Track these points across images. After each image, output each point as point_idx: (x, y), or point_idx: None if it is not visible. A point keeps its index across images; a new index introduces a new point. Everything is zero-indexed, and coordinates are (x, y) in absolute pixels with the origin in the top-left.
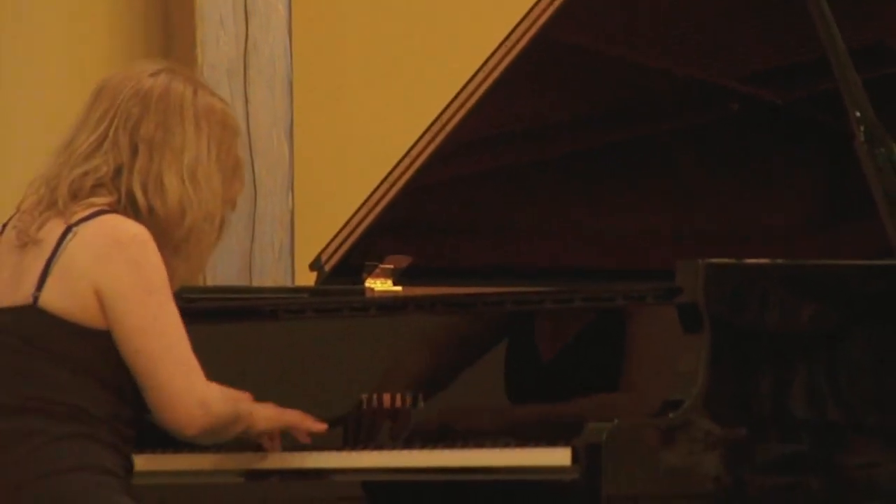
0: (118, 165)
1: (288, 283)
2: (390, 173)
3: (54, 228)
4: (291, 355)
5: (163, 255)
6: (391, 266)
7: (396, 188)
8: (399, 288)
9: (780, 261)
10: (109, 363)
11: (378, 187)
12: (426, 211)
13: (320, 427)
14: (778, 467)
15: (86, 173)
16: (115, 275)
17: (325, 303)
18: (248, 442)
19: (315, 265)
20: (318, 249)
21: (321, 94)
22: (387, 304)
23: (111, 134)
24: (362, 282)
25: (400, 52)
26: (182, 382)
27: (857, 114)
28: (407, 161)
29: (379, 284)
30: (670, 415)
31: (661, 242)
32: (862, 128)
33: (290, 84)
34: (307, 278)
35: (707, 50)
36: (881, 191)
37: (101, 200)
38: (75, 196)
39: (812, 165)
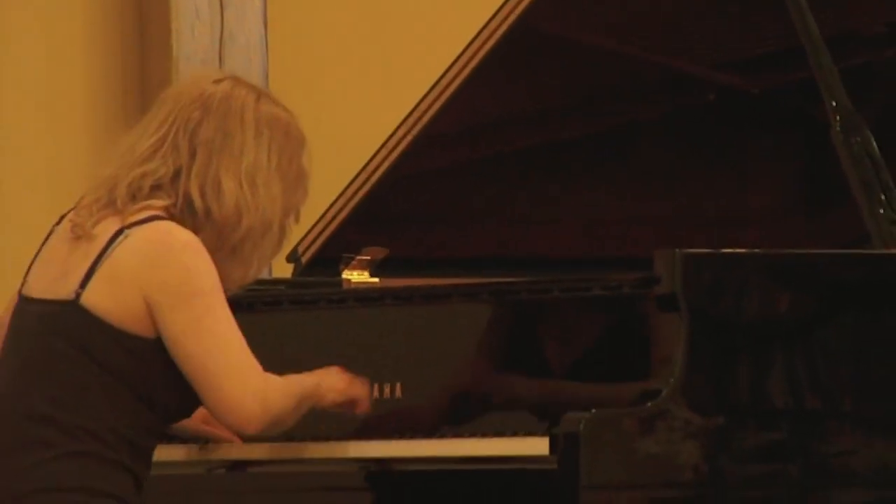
0: (177, 168)
1: (265, 275)
2: (367, 164)
3: (109, 227)
4: (268, 347)
5: (218, 257)
6: (368, 258)
7: (373, 179)
8: (376, 279)
9: (757, 250)
10: (141, 370)
11: (355, 179)
12: (403, 202)
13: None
14: (756, 455)
15: (144, 174)
16: (163, 279)
17: (302, 295)
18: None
19: (292, 257)
20: (295, 241)
21: (296, 86)
22: (364, 296)
23: (171, 137)
24: (339, 273)
25: (376, 43)
26: (236, 383)
27: (833, 103)
28: (384, 152)
29: (356, 276)
30: (648, 404)
31: (640, 229)
32: (838, 117)
33: (266, 75)
34: (284, 270)
35: (684, 38)
36: (857, 179)
37: (160, 203)
38: (134, 197)
39: (789, 153)
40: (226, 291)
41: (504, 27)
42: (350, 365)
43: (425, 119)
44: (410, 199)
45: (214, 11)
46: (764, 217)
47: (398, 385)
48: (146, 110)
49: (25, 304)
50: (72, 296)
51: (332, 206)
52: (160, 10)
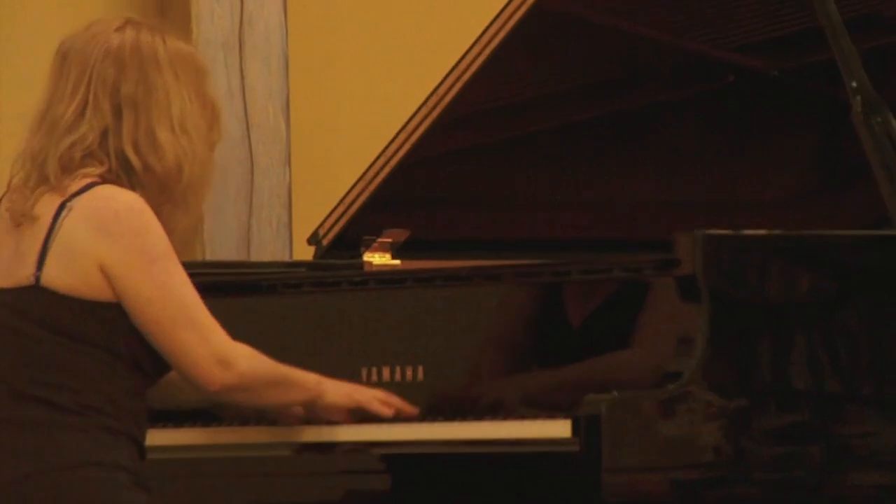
0: (104, 130)
1: (286, 258)
2: (388, 147)
3: (49, 204)
4: (290, 330)
5: (163, 211)
6: (389, 240)
7: (394, 161)
8: (398, 262)
9: (777, 231)
10: (121, 335)
11: (375, 161)
12: (424, 184)
13: (403, 405)
14: (777, 437)
15: (73, 144)
16: (116, 248)
17: (324, 277)
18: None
19: (313, 239)
20: (316, 224)
21: (317, 69)
22: (385, 278)
23: (91, 99)
24: (360, 256)
25: (396, 26)
26: (199, 343)
27: (854, 84)
28: (404, 134)
29: (377, 258)
30: (669, 386)
31: (659, 212)
32: (858, 97)
33: (286, 58)
34: (305, 253)
35: (703, 20)
36: (878, 160)
37: (94, 171)
38: (66, 168)
39: (809, 135)
40: (175, 243)
41: (523, 9)
42: (371, 347)
43: (445, 101)
44: (431, 181)
45: None
46: (784, 198)
47: (419, 367)
48: None
49: None
50: (31, 280)
51: (352, 188)
52: None
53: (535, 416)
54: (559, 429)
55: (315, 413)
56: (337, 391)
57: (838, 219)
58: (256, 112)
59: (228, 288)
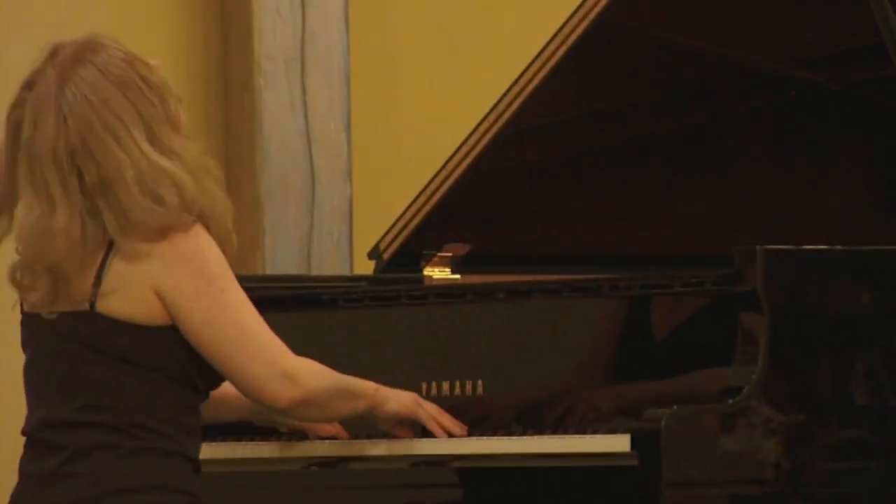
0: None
1: (346, 272)
2: (448, 161)
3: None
4: (350, 344)
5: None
6: (449, 254)
7: (454, 176)
8: (457, 276)
9: (838, 247)
10: (176, 356)
11: (436, 176)
12: (484, 199)
13: (455, 426)
14: (836, 453)
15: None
16: (171, 273)
17: (384, 291)
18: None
19: (373, 254)
20: (376, 238)
21: (378, 83)
22: (445, 293)
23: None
24: (421, 270)
25: (455, 42)
26: (261, 361)
27: None
28: (465, 149)
29: (437, 273)
30: (730, 401)
31: (720, 227)
32: None
33: (347, 74)
34: (365, 267)
35: (765, 35)
36: None
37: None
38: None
39: (869, 149)
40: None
41: (585, 23)
42: (431, 362)
43: (506, 116)
44: (492, 195)
45: (296, 10)
46: (844, 214)
47: (479, 382)
48: (228, 110)
49: (35, 320)
50: (85, 305)
51: (413, 202)
52: (242, 9)
53: (594, 431)
54: (618, 443)
55: (371, 421)
56: (398, 400)
57: None
58: (318, 127)
59: (288, 302)
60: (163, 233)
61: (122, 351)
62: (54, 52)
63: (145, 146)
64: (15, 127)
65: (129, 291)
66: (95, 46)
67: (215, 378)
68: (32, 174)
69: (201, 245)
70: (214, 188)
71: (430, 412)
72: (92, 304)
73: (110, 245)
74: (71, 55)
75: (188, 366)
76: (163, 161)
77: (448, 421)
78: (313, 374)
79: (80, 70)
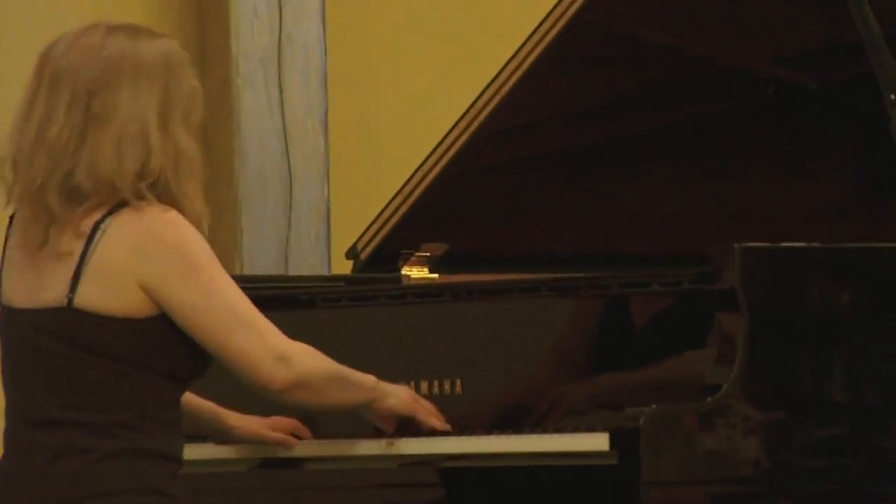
0: (92, 157)
1: (324, 272)
2: (425, 161)
3: (73, 238)
4: (328, 344)
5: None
6: (427, 254)
7: (432, 176)
8: (435, 275)
9: (816, 244)
10: (157, 348)
11: (413, 175)
12: (462, 198)
13: (443, 426)
14: (816, 450)
15: (68, 173)
16: (155, 264)
17: (362, 291)
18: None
19: (351, 254)
20: (354, 238)
21: (355, 83)
22: (423, 292)
23: (79, 128)
24: (398, 270)
25: (433, 41)
26: (256, 343)
27: (893, 96)
28: (442, 149)
29: (415, 272)
30: (708, 399)
31: (698, 225)
32: None
33: (325, 74)
34: (343, 267)
35: (742, 33)
36: None
37: (96, 200)
38: (70, 199)
39: (848, 147)
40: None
41: (562, 23)
42: (409, 361)
43: (483, 115)
44: (469, 195)
45: (273, 11)
46: (823, 211)
47: (457, 381)
48: (206, 111)
49: (13, 315)
50: (63, 301)
51: (390, 202)
52: (219, 10)
53: (573, 430)
54: (597, 442)
55: (367, 416)
56: (398, 395)
57: (877, 231)
58: (295, 126)
59: (266, 302)
60: (112, 197)
61: (102, 346)
62: (109, 30)
63: (153, 117)
64: (47, 50)
65: (110, 285)
66: (155, 31)
67: (197, 366)
68: (52, 85)
69: (184, 234)
70: (193, 190)
71: (429, 409)
72: (70, 300)
73: (90, 238)
74: (131, 24)
75: (169, 356)
76: (154, 133)
77: (440, 421)
78: (308, 357)
79: (140, 34)
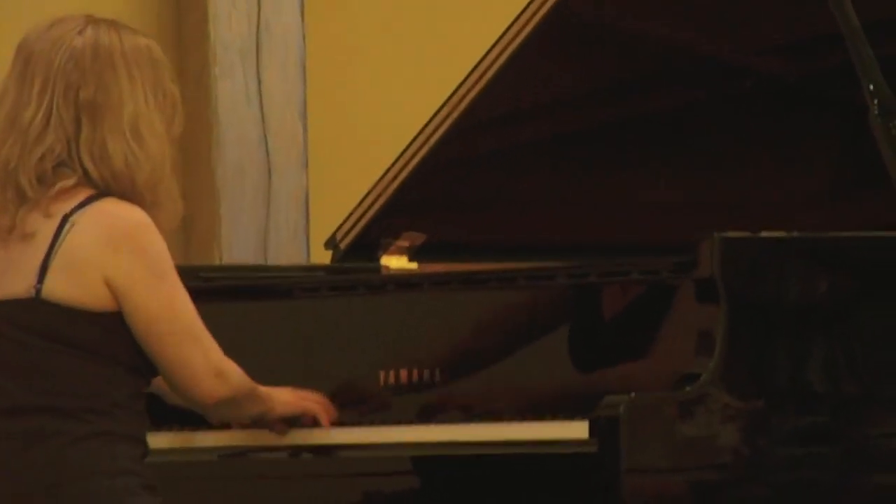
0: (68, 139)
1: (303, 262)
2: (405, 151)
3: (41, 219)
4: (308, 333)
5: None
6: (406, 243)
7: (411, 165)
8: (415, 265)
9: (795, 233)
10: (121, 342)
11: (393, 165)
12: (441, 188)
13: (334, 414)
14: (795, 439)
15: (43, 156)
16: (124, 264)
17: (341, 280)
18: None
19: (330, 243)
20: (333, 228)
21: (334, 73)
22: (402, 282)
23: (55, 107)
24: (378, 259)
25: (413, 30)
26: (201, 358)
27: (871, 87)
28: (422, 138)
29: (394, 262)
30: (687, 388)
31: (677, 215)
32: (876, 101)
33: (303, 63)
34: (322, 257)
35: (721, 24)
36: (895, 163)
37: (69, 182)
38: (41, 180)
39: (827, 138)
40: (169, 233)
41: (542, 11)
42: (388, 351)
43: (463, 105)
44: (448, 184)
45: (251, 0)
46: (802, 201)
47: (437, 370)
48: (184, 100)
49: None
50: (31, 292)
51: (370, 192)
52: None
53: (552, 418)
54: (577, 430)
55: (260, 424)
56: (284, 402)
57: (856, 221)
58: (273, 116)
59: (245, 292)
60: (116, 183)
61: (71, 337)
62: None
63: (151, 101)
64: (24, 36)
65: (78, 278)
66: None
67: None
68: (25, 65)
69: (154, 240)
70: (174, 186)
71: (316, 400)
72: (38, 291)
73: (59, 228)
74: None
75: (131, 351)
76: (159, 121)
77: (330, 406)
78: (238, 374)
79: (123, 28)
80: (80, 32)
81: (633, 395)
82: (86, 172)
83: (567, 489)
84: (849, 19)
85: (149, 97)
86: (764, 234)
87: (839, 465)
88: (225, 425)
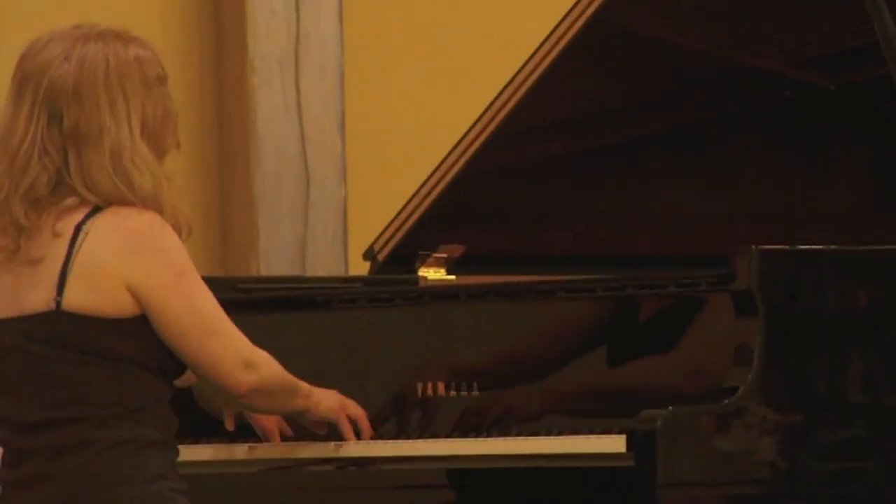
0: (58, 168)
1: (341, 273)
2: (443, 162)
3: (49, 239)
4: (345, 345)
5: None
6: (444, 255)
7: (449, 177)
8: (452, 277)
9: (833, 246)
10: (146, 346)
11: (430, 176)
12: (479, 199)
13: (370, 432)
14: (832, 452)
15: (31, 186)
16: (143, 267)
17: (379, 292)
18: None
19: (368, 255)
20: (371, 239)
21: (373, 84)
22: (440, 293)
23: (41, 139)
24: (415, 271)
25: (451, 39)
26: (229, 350)
27: None
28: (459, 150)
29: (432, 273)
30: (725, 401)
31: (716, 227)
32: None
33: (342, 73)
34: (360, 268)
35: (760, 35)
36: None
37: (72, 202)
38: (36, 206)
39: (865, 149)
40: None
41: (580, 22)
42: (426, 362)
43: (501, 115)
44: (487, 196)
45: (290, 9)
46: (840, 213)
47: (474, 382)
48: (222, 110)
49: None
50: (51, 305)
51: (408, 203)
52: (236, 8)
53: (589, 432)
54: (614, 444)
55: (300, 421)
56: (329, 407)
57: (894, 234)
58: (312, 127)
59: (283, 303)
60: (116, 203)
61: (94, 346)
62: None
63: (136, 130)
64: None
65: (98, 286)
66: (139, 39)
67: (182, 364)
68: (20, 85)
69: (169, 238)
70: (177, 200)
71: (356, 415)
72: (58, 303)
73: (73, 240)
74: (111, 29)
75: (158, 353)
76: (145, 150)
77: (366, 429)
78: (269, 364)
79: (116, 42)
80: (66, 58)
81: (670, 408)
82: (83, 195)
83: (604, 503)
84: (887, 29)
85: (133, 123)
86: (801, 246)
87: (878, 478)
88: (264, 438)
